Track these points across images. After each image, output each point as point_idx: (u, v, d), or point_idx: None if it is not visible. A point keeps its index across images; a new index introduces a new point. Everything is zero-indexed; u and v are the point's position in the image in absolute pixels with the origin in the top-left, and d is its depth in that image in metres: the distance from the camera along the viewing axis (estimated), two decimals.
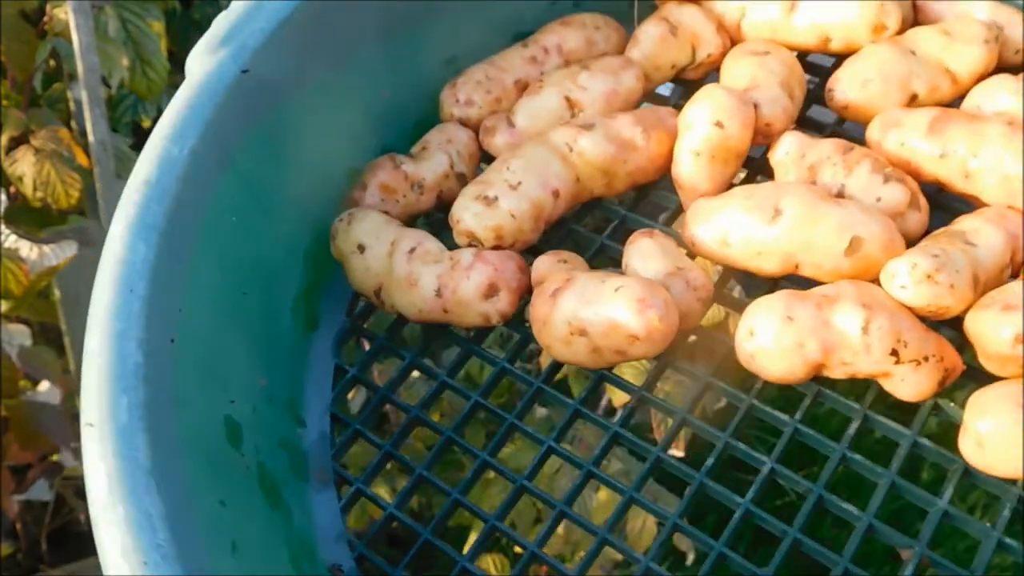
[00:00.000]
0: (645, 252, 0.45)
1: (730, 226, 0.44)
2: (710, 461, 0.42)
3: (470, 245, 0.49)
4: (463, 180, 0.53)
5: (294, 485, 0.46)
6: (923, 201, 0.46)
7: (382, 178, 0.52)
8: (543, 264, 0.47)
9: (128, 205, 0.43)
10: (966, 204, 0.47)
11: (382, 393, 0.48)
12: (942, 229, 0.44)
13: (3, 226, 0.91)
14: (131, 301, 0.40)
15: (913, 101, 0.50)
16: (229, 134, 0.46)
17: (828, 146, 0.47)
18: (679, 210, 0.51)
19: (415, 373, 0.52)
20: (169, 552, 0.33)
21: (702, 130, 0.48)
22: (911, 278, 0.41)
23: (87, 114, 0.99)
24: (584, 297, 0.43)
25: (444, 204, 0.53)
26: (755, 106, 0.49)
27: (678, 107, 0.51)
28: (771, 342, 0.41)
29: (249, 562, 0.39)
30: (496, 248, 0.48)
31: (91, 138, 0.98)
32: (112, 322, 0.39)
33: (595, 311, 0.42)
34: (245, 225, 0.47)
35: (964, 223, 0.44)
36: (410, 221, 0.53)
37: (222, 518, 0.39)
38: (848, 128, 0.52)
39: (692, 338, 0.46)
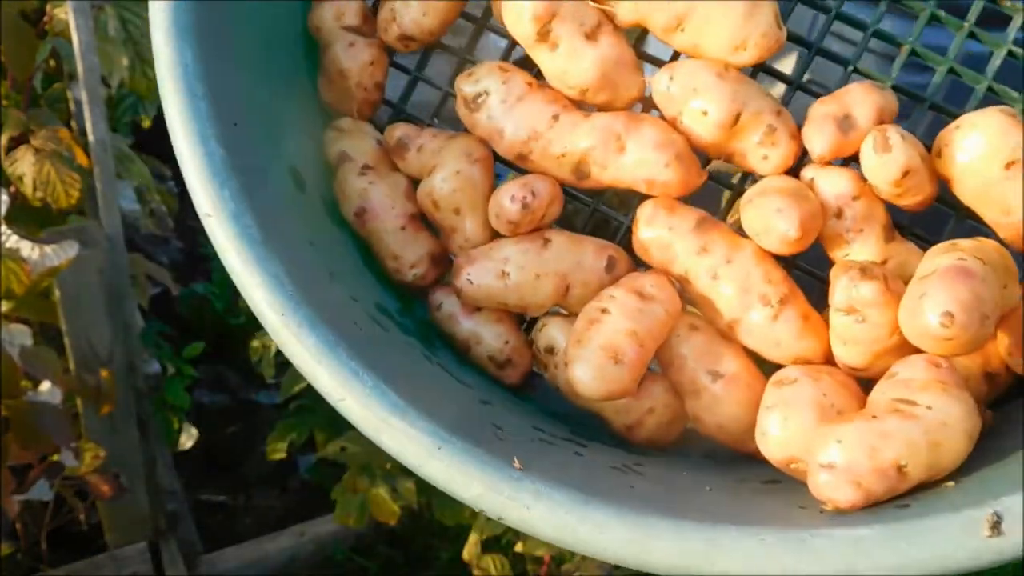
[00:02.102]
0: None
1: None
2: None
3: None
4: None
5: None
6: None
7: None
8: None
9: (159, 11, 0.48)
10: None
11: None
12: None
13: (4, 226, 0.89)
14: (197, 104, 0.47)
15: None
16: None
17: None
18: None
19: None
20: (298, 297, 0.45)
21: None
22: None
23: (87, 114, 0.96)
24: None
25: None
26: None
27: None
28: None
29: (346, 284, 0.52)
30: None
31: (91, 138, 0.96)
32: (190, 127, 0.47)
33: None
34: (257, 14, 0.53)
35: None
36: None
37: (316, 256, 0.51)
38: None
39: None
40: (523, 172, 0.56)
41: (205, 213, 0.47)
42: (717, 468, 0.52)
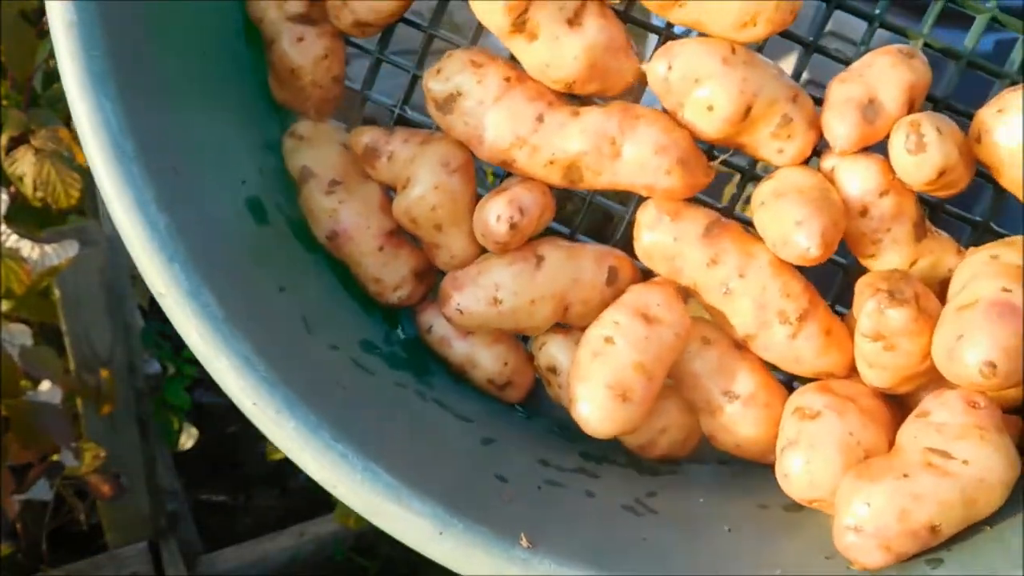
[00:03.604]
0: None
1: None
2: None
3: None
4: None
5: None
6: None
7: None
8: None
9: (67, 60, 0.41)
10: None
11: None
12: None
13: (4, 226, 0.86)
14: (128, 167, 0.41)
15: None
16: None
17: None
18: None
19: None
20: (271, 377, 0.41)
21: None
22: None
23: None
24: None
25: None
26: None
27: None
28: None
29: (324, 329, 0.47)
30: None
31: None
32: (125, 196, 0.41)
33: None
34: (184, 16, 0.46)
35: None
36: None
37: (288, 305, 0.46)
38: None
39: None
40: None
41: (158, 292, 0.42)
42: (735, 486, 0.50)
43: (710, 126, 0.46)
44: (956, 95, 0.49)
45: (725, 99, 0.45)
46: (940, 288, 0.46)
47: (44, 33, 0.97)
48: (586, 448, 0.51)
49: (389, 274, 0.51)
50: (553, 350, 0.50)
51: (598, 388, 0.45)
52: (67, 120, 1.02)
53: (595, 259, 0.49)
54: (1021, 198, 0.45)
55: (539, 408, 0.54)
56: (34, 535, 1.18)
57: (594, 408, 0.45)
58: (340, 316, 0.51)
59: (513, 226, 0.47)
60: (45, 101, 1.01)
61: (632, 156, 0.46)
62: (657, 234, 0.48)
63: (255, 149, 0.51)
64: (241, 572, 1.32)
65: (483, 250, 0.50)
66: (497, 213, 0.47)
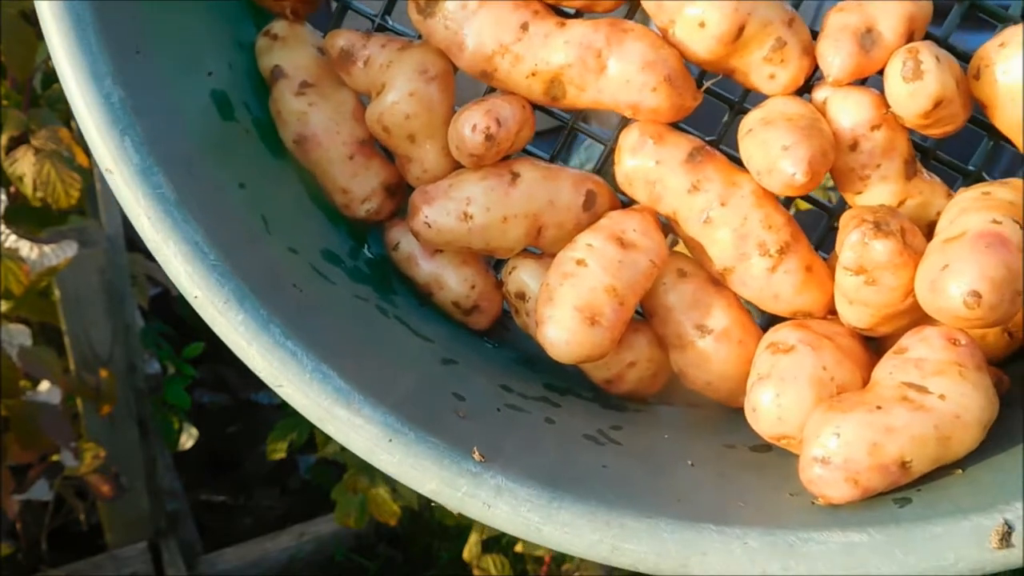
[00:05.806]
0: None
1: None
2: None
3: None
4: None
5: None
6: None
7: None
8: None
9: None
10: None
11: None
12: None
13: (3, 226, 0.86)
14: (86, 35, 0.39)
15: None
16: None
17: None
18: None
19: None
20: (222, 267, 0.39)
21: None
22: None
23: None
24: None
25: None
26: None
27: None
28: None
29: (284, 232, 0.45)
30: None
31: None
32: (80, 66, 0.39)
33: None
34: None
35: None
36: None
37: (247, 202, 0.44)
38: None
39: None
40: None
41: (106, 168, 0.39)
42: (702, 426, 0.48)
43: (701, 45, 0.44)
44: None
45: (718, 16, 0.43)
46: (928, 231, 0.44)
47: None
48: (551, 380, 0.49)
49: (358, 185, 0.49)
50: (524, 275, 0.48)
51: (566, 310, 0.43)
52: (67, 120, 1.03)
53: (573, 182, 0.48)
54: (1017, 139, 0.43)
55: (505, 341, 0.52)
56: (34, 535, 1.18)
57: (561, 331, 0.43)
58: (303, 224, 0.48)
59: (489, 137, 0.45)
60: (45, 101, 1.01)
61: (618, 71, 0.44)
62: (639, 158, 0.46)
63: (226, 44, 0.49)
64: (241, 572, 1.30)
65: (457, 167, 0.48)
66: (473, 123, 0.45)
